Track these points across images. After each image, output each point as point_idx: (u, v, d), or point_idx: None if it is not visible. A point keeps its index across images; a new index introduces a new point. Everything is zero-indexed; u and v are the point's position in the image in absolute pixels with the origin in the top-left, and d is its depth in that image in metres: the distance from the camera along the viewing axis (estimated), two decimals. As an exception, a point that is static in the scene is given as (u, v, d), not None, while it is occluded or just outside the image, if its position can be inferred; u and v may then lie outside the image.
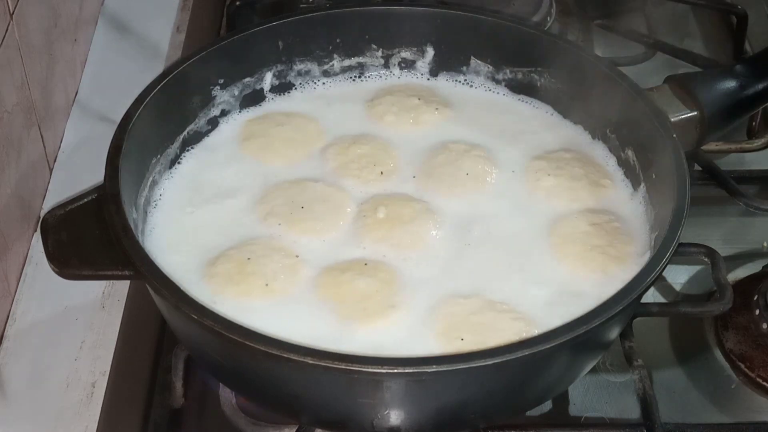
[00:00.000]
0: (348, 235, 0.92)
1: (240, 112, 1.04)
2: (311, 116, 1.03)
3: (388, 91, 1.06)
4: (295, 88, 1.06)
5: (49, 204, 1.01)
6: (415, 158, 1.00)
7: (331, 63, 1.07)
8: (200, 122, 1.01)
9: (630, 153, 0.97)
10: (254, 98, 1.05)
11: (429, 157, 1.00)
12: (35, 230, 0.99)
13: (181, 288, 0.78)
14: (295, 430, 0.86)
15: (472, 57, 1.07)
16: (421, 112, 1.03)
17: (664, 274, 0.83)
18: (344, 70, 1.08)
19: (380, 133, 1.02)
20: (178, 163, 0.98)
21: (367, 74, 1.08)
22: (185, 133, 0.99)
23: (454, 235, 0.92)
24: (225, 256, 0.88)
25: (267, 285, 0.86)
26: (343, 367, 0.73)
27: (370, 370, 0.73)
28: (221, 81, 1.01)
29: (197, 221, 0.93)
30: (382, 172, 0.97)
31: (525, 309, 0.85)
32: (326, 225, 0.92)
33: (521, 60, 1.05)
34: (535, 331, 0.82)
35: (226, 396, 0.90)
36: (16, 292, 0.94)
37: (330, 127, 1.03)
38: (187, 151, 0.99)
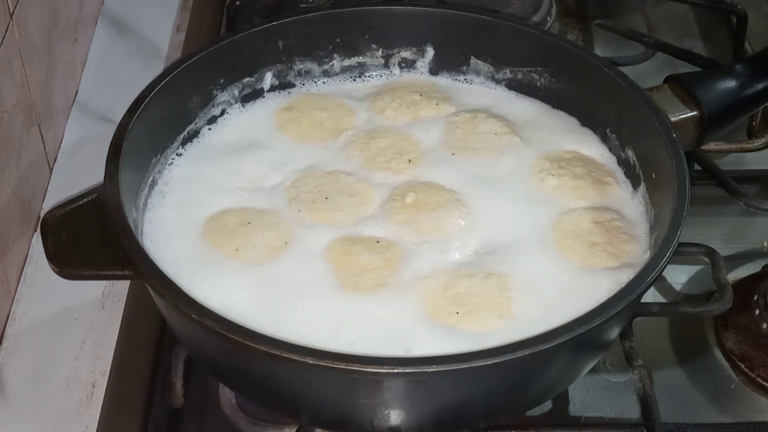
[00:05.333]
0: (375, 216, 0.93)
1: (243, 107, 1.04)
2: (350, 107, 1.04)
3: (391, 87, 1.06)
4: (296, 88, 1.07)
5: (49, 204, 1.01)
6: (433, 141, 1.01)
7: (331, 63, 1.07)
8: (200, 122, 1.01)
9: (630, 153, 0.97)
10: (254, 98, 1.05)
11: (447, 135, 1.01)
12: (35, 230, 0.99)
13: (182, 288, 0.78)
14: (295, 430, 0.86)
15: (472, 57, 1.07)
16: (420, 108, 1.04)
17: (664, 274, 0.83)
18: (344, 69, 1.08)
19: (389, 125, 1.03)
20: (178, 154, 0.98)
21: (367, 74, 1.08)
22: (185, 132, 0.99)
23: (473, 236, 0.92)
24: (238, 210, 0.92)
25: (237, 250, 0.88)
26: (343, 367, 0.73)
27: (370, 370, 0.73)
28: (221, 81, 1.01)
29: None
30: (410, 160, 0.98)
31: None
32: (344, 217, 0.93)
33: (521, 60, 1.05)
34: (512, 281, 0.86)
35: (226, 396, 0.90)
36: (16, 292, 0.94)
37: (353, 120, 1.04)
38: (184, 148, 1.00)
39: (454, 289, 0.86)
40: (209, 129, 1.01)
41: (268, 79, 1.05)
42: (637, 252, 0.90)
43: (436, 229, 0.92)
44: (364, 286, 0.86)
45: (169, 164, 0.97)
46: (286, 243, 0.90)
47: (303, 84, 1.07)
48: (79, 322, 0.92)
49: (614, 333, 0.87)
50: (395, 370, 0.73)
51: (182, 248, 0.89)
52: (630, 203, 0.95)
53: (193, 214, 0.92)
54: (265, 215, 0.92)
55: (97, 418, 0.85)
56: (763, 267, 1.04)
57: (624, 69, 0.99)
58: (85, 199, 0.85)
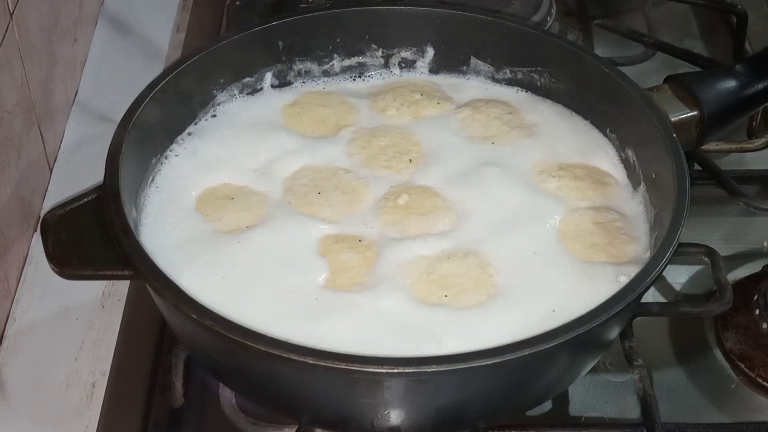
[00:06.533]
0: (364, 214, 0.93)
1: (247, 101, 1.04)
2: (353, 105, 1.05)
3: (391, 87, 1.07)
4: (296, 88, 1.07)
5: (49, 204, 1.01)
6: (436, 140, 1.01)
7: (331, 63, 1.07)
8: (200, 122, 1.01)
9: (630, 153, 0.97)
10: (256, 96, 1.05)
11: (469, 128, 1.01)
12: (35, 230, 0.99)
13: (182, 288, 0.78)
14: (295, 430, 0.86)
15: (472, 57, 1.07)
16: (422, 107, 1.04)
17: (664, 274, 0.83)
18: (344, 69, 1.08)
19: (391, 124, 1.03)
20: (178, 143, 0.98)
21: (368, 74, 1.08)
22: (185, 132, 0.99)
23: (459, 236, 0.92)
24: (235, 186, 0.94)
25: (208, 216, 0.91)
26: (343, 367, 0.73)
27: (370, 370, 0.73)
28: (221, 81, 1.01)
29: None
30: (410, 160, 0.98)
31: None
32: (332, 213, 0.93)
33: (521, 60, 1.05)
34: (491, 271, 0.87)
35: (226, 396, 0.90)
36: (16, 292, 0.94)
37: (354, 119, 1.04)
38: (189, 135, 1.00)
39: (437, 272, 0.86)
40: (209, 119, 1.01)
41: (268, 79, 1.05)
42: (638, 252, 0.90)
43: (421, 233, 0.91)
44: (341, 283, 0.86)
45: (167, 158, 0.97)
46: (247, 227, 0.90)
47: (303, 84, 1.07)
48: (79, 322, 0.92)
49: (614, 333, 0.87)
50: (395, 370, 0.73)
51: (176, 220, 0.91)
52: (630, 203, 0.95)
53: (187, 192, 0.94)
54: (253, 196, 0.93)
55: (97, 418, 0.85)
56: (763, 267, 1.04)
57: (624, 69, 0.99)
58: (85, 199, 0.85)
